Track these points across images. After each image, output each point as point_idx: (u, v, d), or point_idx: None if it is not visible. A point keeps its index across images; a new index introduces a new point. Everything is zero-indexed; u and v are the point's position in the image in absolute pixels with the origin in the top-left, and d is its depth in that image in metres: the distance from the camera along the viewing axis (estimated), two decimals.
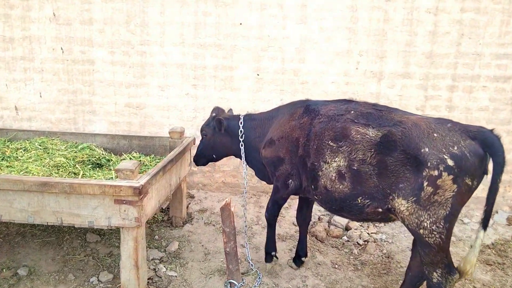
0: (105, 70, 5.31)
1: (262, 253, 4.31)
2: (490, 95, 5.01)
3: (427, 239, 2.78)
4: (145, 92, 5.34)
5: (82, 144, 4.70)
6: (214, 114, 4.03)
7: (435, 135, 2.71)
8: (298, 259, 4.07)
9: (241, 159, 3.97)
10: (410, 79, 5.05)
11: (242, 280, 3.78)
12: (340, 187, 3.09)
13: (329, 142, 3.13)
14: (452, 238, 4.76)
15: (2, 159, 4.17)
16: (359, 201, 3.05)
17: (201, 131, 4.15)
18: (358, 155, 2.97)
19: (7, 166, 3.95)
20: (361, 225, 4.98)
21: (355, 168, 2.99)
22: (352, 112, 3.15)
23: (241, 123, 3.88)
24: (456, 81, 5.01)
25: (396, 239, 4.67)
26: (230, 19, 5.06)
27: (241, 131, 3.86)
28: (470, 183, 2.68)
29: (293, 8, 5.02)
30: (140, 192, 3.12)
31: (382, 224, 5.08)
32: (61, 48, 5.27)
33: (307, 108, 3.47)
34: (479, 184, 2.75)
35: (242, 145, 3.88)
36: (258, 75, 5.21)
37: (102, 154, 4.53)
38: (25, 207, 3.26)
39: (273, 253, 3.98)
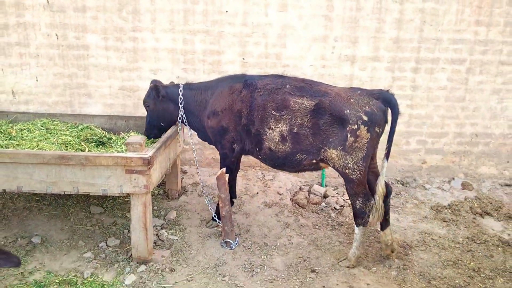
0: (99, 55, 5.63)
1: (251, 218, 4.87)
2: (448, 75, 5.68)
3: (351, 176, 3.74)
4: (138, 75, 5.71)
5: (82, 124, 5.02)
6: (152, 85, 4.49)
7: (351, 100, 3.67)
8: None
9: (182, 123, 4.51)
10: (379, 62, 5.65)
11: (236, 239, 4.33)
12: (283, 147, 3.94)
13: (272, 112, 3.93)
14: (415, 201, 5.48)
15: (10, 139, 4.49)
16: (298, 157, 3.93)
17: (144, 103, 4.61)
18: (297, 120, 3.82)
19: (17, 145, 4.27)
20: (337, 193, 5.62)
21: (295, 131, 3.84)
22: (288, 86, 3.95)
23: (180, 91, 4.41)
24: (419, 64, 5.65)
25: None
26: (217, 7, 5.46)
27: (180, 98, 4.41)
28: (378, 130, 3.69)
29: None
30: (149, 162, 3.57)
31: None
32: (56, 34, 5.54)
33: (245, 83, 4.17)
34: (383, 131, 3.77)
35: (181, 109, 4.41)
36: (243, 59, 5.67)
37: (103, 133, 4.91)
38: (44, 179, 3.65)
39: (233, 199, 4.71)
